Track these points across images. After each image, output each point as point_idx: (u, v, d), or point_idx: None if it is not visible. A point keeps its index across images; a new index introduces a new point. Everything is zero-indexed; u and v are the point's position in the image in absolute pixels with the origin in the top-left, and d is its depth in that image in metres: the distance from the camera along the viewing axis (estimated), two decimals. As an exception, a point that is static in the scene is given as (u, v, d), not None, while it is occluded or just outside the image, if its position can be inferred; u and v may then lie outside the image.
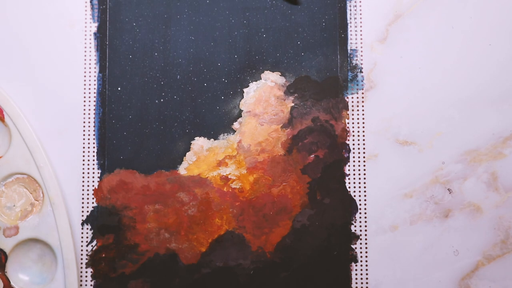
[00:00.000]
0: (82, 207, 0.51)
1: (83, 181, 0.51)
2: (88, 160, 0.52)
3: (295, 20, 0.53)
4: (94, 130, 0.52)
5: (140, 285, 0.50)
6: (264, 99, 0.52)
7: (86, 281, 0.50)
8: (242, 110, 0.52)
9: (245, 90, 0.52)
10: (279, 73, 0.52)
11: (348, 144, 0.52)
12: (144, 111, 0.52)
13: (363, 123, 0.52)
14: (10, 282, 0.49)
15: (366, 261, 0.51)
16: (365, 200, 0.51)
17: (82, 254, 0.51)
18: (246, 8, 0.53)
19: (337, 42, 0.53)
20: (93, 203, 0.51)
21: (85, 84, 0.52)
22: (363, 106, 0.52)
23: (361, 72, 0.52)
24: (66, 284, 0.49)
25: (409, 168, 0.51)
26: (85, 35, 0.53)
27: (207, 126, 0.52)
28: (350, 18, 0.53)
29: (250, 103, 0.52)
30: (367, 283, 0.50)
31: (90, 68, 0.52)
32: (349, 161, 0.52)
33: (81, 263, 0.51)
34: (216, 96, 0.52)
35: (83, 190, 0.51)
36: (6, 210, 0.51)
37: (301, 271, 0.51)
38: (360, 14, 0.53)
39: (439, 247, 0.51)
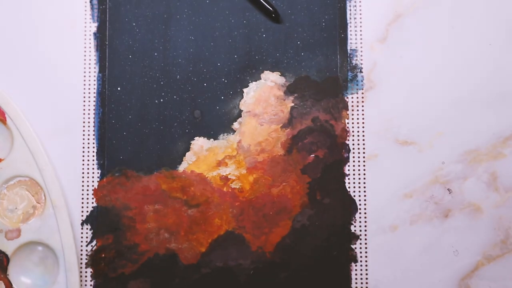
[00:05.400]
0: (82, 207, 0.51)
1: (82, 181, 0.51)
2: (88, 160, 0.51)
3: (295, 20, 0.53)
4: (94, 130, 0.52)
5: (140, 285, 0.50)
6: (264, 99, 0.52)
7: (86, 281, 0.50)
8: (242, 110, 0.52)
9: (245, 90, 0.52)
10: (279, 73, 0.52)
11: (348, 144, 0.52)
12: (143, 111, 0.52)
13: (363, 123, 0.52)
14: (12, 285, 0.49)
15: (366, 261, 0.51)
16: (365, 200, 0.51)
17: (82, 254, 0.51)
18: (246, 8, 0.53)
19: (337, 42, 0.53)
20: (93, 203, 0.51)
21: (84, 84, 0.52)
22: (363, 106, 0.52)
23: (361, 72, 0.52)
24: (68, 287, 0.49)
25: (409, 168, 0.51)
26: (85, 35, 0.53)
27: (207, 126, 0.52)
28: (350, 18, 0.53)
29: (250, 103, 0.52)
30: (367, 283, 0.51)
31: (89, 68, 0.52)
32: (349, 161, 0.52)
33: (81, 263, 0.51)
34: (216, 96, 0.52)
35: (82, 190, 0.51)
36: (8, 213, 0.50)
37: (301, 271, 0.51)
38: (360, 14, 0.53)
39: (439, 247, 0.51)
